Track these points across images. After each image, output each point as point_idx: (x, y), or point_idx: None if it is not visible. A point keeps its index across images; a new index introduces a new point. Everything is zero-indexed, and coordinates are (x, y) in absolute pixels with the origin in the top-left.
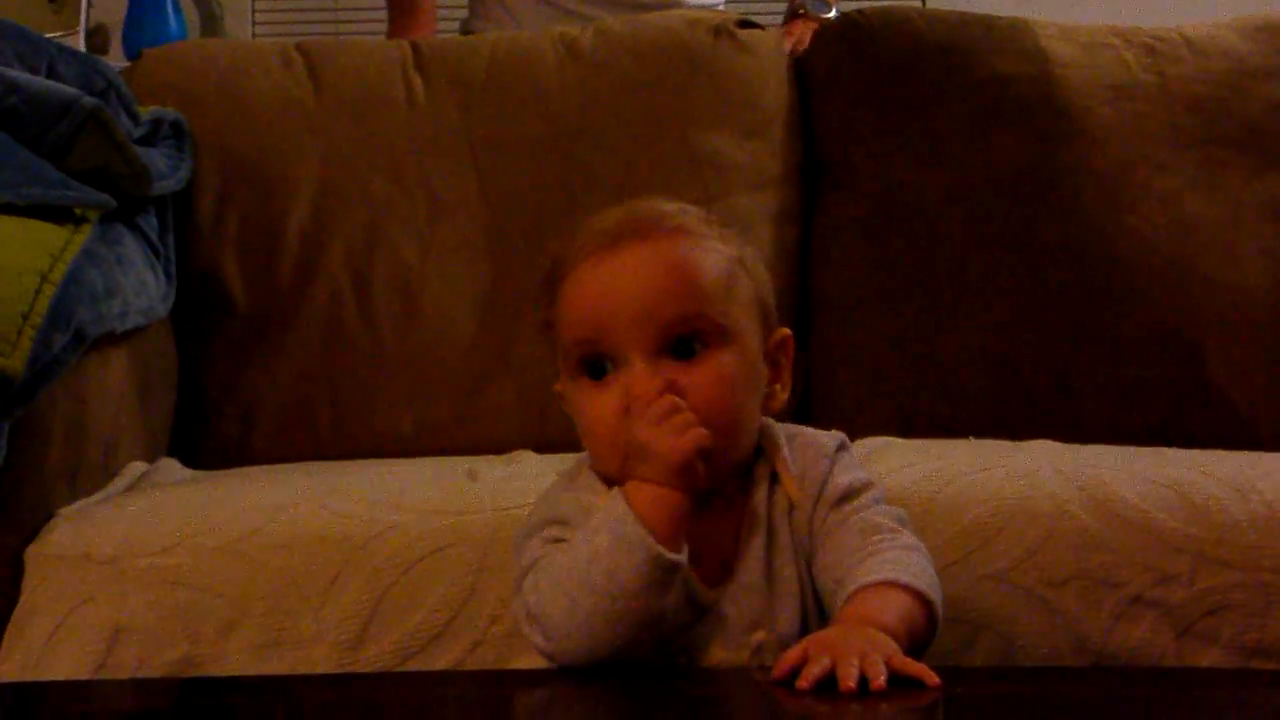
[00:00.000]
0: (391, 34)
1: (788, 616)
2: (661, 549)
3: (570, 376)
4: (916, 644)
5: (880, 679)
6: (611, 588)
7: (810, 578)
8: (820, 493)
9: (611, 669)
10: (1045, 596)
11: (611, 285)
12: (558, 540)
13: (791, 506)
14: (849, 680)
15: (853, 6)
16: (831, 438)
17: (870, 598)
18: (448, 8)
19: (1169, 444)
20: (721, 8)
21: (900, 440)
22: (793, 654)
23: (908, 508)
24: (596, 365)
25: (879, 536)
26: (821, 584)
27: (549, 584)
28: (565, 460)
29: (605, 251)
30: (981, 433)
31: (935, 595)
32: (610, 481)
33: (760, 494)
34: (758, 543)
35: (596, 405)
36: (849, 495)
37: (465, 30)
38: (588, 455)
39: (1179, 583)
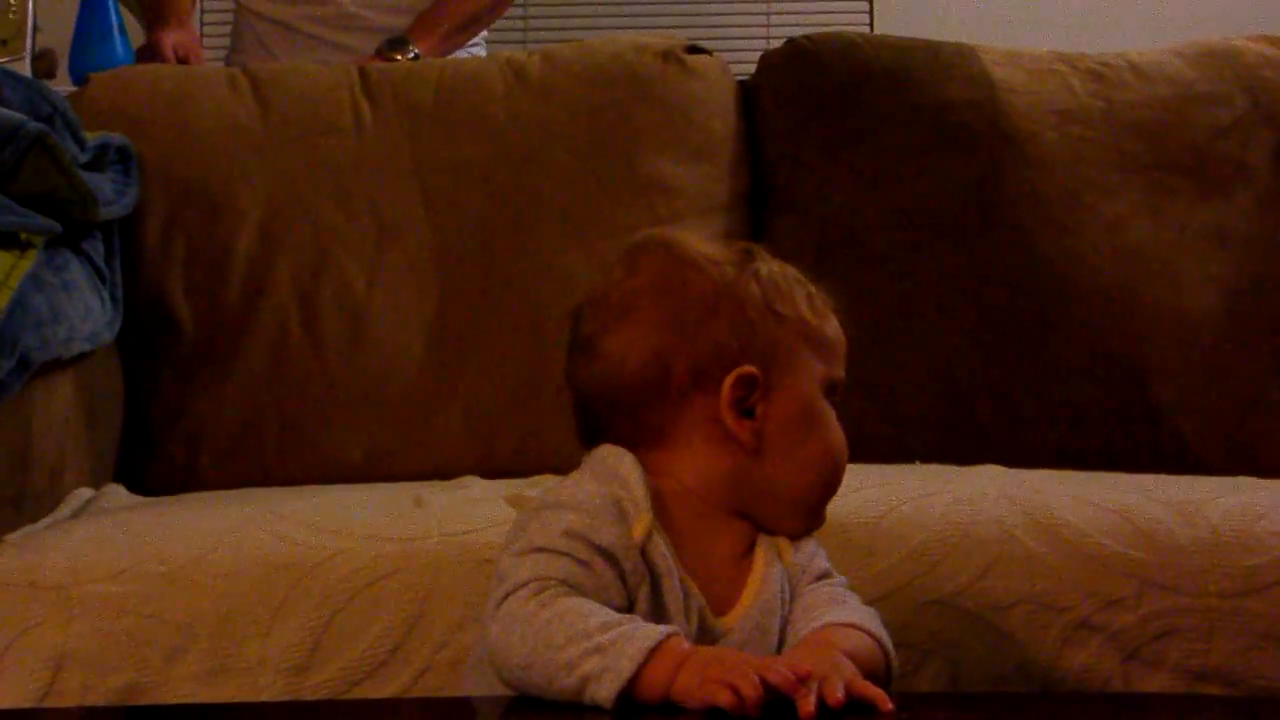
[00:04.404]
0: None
1: None
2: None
3: (821, 403)
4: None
5: (839, 693)
6: (558, 692)
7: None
8: (808, 564)
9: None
10: (991, 621)
11: None
12: (582, 563)
13: (783, 566)
14: (808, 707)
15: (799, 32)
16: None
17: (835, 629)
18: None
19: (1114, 468)
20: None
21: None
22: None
23: (853, 532)
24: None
25: (846, 604)
26: (785, 641)
27: (522, 648)
28: (512, 485)
29: None
30: (927, 458)
31: (893, 656)
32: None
33: (768, 541)
34: (770, 587)
35: (839, 428)
36: (825, 576)
37: (229, 63)
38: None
39: (1125, 607)
